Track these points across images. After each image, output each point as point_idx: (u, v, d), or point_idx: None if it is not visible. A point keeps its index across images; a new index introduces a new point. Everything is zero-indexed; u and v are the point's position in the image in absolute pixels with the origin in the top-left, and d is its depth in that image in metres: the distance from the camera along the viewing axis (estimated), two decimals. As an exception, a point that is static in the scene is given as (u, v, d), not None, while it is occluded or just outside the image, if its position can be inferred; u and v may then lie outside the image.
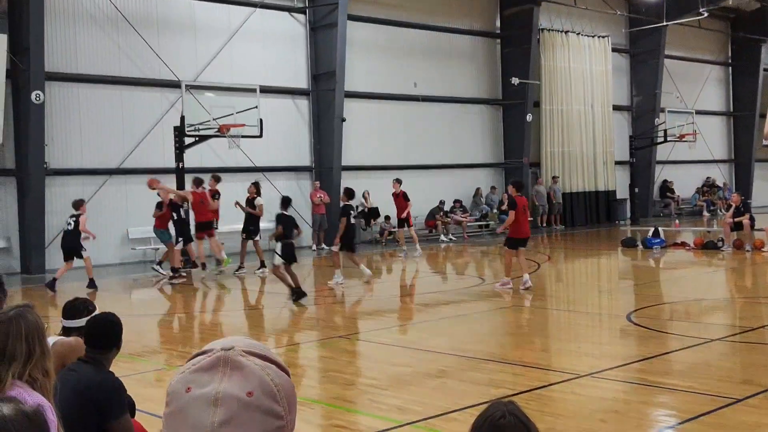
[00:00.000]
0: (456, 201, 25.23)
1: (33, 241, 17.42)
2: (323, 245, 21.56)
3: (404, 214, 19.81)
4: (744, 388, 6.42)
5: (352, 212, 14.89)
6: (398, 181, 20.07)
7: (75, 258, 14.61)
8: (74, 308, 4.74)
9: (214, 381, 1.17)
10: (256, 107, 17.81)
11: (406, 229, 20.14)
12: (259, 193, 16.66)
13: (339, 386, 7.28)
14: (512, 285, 12.97)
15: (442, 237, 23.93)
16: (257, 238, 16.60)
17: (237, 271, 16.32)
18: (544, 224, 27.34)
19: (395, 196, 20.01)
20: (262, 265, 16.29)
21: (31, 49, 17.03)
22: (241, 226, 16.96)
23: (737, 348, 8.45)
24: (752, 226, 18.78)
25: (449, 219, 24.48)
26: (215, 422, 1.14)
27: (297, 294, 12.31)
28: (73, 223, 14.63)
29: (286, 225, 12.53)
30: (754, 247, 17.96)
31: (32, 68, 17.06)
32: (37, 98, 17.14)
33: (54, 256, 17.87)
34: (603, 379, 7.09)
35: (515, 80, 26.15)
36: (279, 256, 12.31)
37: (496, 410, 1.86)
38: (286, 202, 13.11)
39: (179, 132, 17.33)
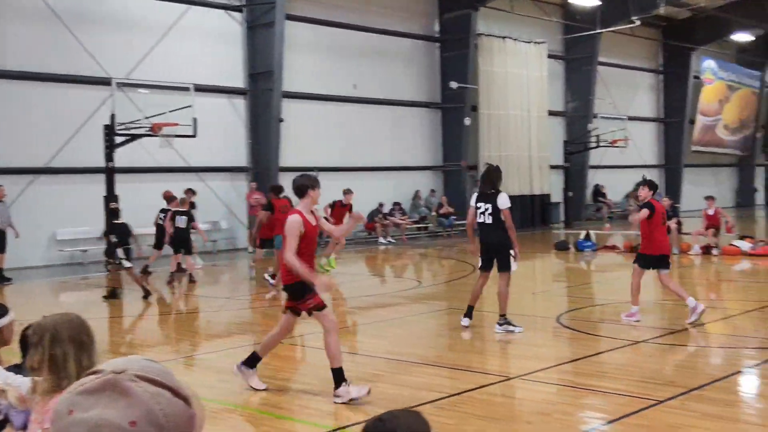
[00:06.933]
0: (395, 203, 25.31)
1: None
2: (259, 247, 21.33)
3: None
4: (667, 389, 6.57)
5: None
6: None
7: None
8: None
9: (98, 406, 1.11)
10: (190, 106, 17.54)
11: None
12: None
13: (269, 392, 7.17)
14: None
15: (381, 239, 23.95)
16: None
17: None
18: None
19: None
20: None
21: (-45, 42, 16.43)
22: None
23: (662, 349, 8.65)
24: (679, 230, 19.31)
25: (388, 221, 24.52)
26: None
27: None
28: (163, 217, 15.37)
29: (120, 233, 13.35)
30: (681, 251, 18.48)
31: (-45, 63, 16.46)
32: (-39, 94, 16.54)
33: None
34: (532, 381, 7.16)
35: (454, 84, 26.38)
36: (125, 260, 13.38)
37: (374, 419, 1.82)
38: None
39: (109, 130, 16.94)
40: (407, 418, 1.97)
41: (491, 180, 9.72)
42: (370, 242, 23.79)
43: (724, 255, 18.00)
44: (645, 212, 9.92)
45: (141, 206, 18.78)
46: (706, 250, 18.28)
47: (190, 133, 17.74)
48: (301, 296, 6.69)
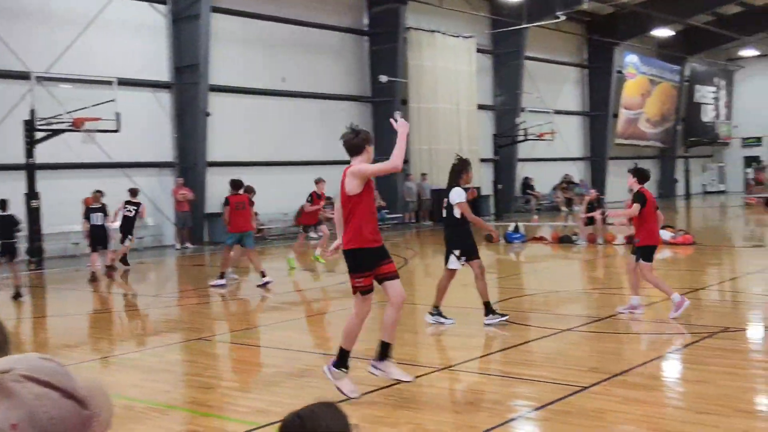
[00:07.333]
0: (327, 198, 25.16)
1: None
2: (188, 244, 21.03)
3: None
4: (591, 376, 6.72)
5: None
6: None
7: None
8: None
9: None
10: (114, 100, 17.15)
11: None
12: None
13: (197, 390, 7.06)
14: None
15: (312, 234, 23.78)
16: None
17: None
18: (414, 220, 27.79)
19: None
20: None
21: None
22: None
23: (587, 337, 8.85)
24: (604, 221, 19.79)
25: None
26: None
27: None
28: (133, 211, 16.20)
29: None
30: (606, 241, 18.94)
31: None
32: None
33: None
34: (462, 372, 7.23)
35: (383, 78, 26.40)
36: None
37: (292, 415, 1.79)
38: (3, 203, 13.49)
39: (29, 126, 16.41)
40: (325, 412, 1.93)
41: (451, 174, 9.56)
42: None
43: (646, 244, 18.50)
44: (636, 208, 9.34)
45: (64, 203, 18.27)
46: (630, 240, 18.75)
47: (114, 128, 17.34)
48: (355, 269, 6.15)
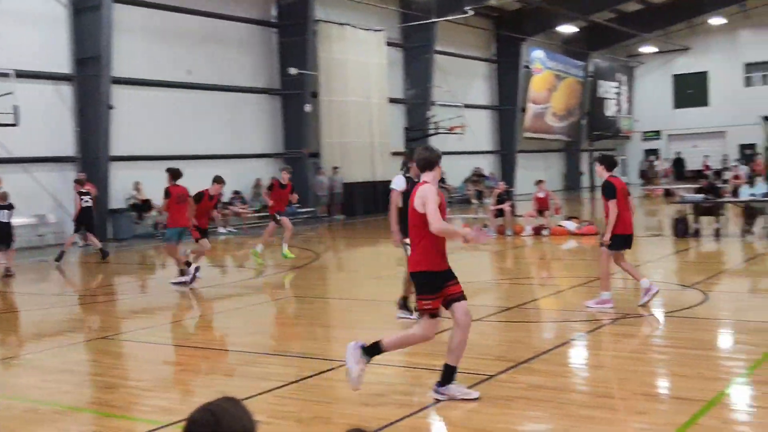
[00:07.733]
0: (235, 192, 24.84)
1: None
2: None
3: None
4: (497, 364, 6.85)
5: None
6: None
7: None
8: None
9: None
10: (11, 93, 16.50)
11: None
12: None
13: (99, 390, 6.84)
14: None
15: (220, 229, 23.47)
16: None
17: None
18: (326, 214, 27.71)
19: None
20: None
21: None
22: None
23: (496, 327, 9.01)
24: (513, 213, 20.22)
25: (228, 211, 24.01)
26: None
27: None
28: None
29: None
30: (515, 232, 19.36)
31: None
32: None
33: None
34: (371, 364, 7.20)
35: (293, 70, 26.18)
36: None
37: (199, 408, 1.75)
38: None
39: None
40: (233, 407, 1.91)
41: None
42: (209, 232, 23.19)
43: (553, 235, 19.02)
44: (613, 207, 9.11)
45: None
46: (537, 231, 19.24)
47: (12, 122, 16.70)
48: (423, 291, 5.97)
